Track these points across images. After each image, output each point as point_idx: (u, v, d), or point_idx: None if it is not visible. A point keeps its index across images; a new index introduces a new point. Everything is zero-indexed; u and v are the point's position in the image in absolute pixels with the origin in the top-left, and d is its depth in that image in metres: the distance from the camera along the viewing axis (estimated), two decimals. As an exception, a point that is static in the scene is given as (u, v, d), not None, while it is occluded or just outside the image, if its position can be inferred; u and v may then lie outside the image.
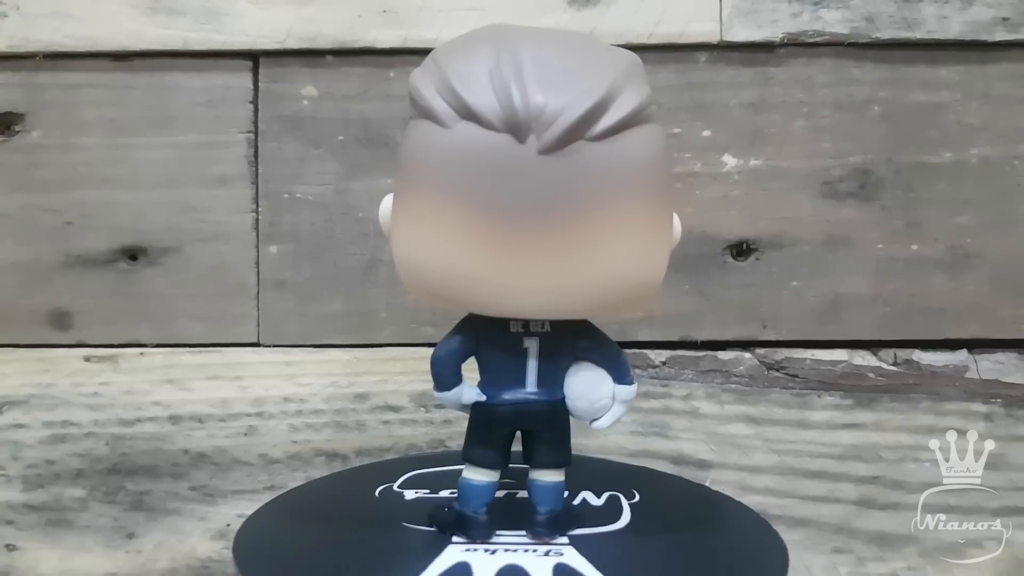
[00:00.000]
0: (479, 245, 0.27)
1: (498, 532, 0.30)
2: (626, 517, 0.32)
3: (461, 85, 0.26)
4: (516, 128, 0.26)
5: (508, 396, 0.30)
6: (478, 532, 0.30)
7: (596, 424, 0.30)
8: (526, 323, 0.29)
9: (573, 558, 0.29)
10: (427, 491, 0.34)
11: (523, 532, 0.30)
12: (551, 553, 0.29)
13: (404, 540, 0.30)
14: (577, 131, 0.26)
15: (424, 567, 0.28)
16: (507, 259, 0.27)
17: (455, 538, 0.30)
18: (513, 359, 0.29)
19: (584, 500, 0.33)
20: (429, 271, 0.28)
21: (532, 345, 0.29)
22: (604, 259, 0.27)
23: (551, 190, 0.26)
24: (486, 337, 0.30)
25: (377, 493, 0.34)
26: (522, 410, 0.30)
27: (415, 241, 0.28)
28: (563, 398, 0.30)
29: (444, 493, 0.34)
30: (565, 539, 0.30)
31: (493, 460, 0.30)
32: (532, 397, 0.30)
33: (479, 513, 0.30)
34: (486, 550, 0.29)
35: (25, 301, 0.49)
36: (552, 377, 0.30)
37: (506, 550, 0.29)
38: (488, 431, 0.30)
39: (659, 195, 0.28)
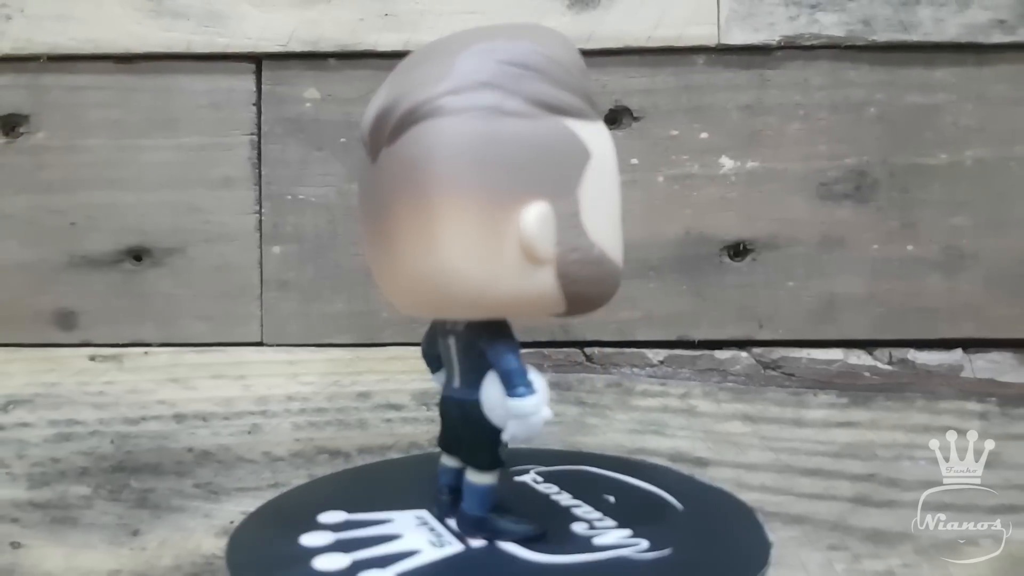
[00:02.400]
0: (366, 249, 0.29)
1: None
2: (591, 558, 0.29)
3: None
4: (363, 141, 0.28)
5: (444, 390, 0.31)
6: (436, 509, 0.32)
7: (502, 437, 0.28)
8: (455, 321, 0.30)
9: (436, 552, 0.29)
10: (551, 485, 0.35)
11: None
12: (441, 543, 0.30)
13: (401, 496, 0.34)
14: (375, 138, 0.27)
15: (360, 510, 0.32)
16: (371, 262, 0.29)
17: (429, 509, 0.32)
18: (446, 355, 0.30)
19: (600, 528, 0.31)
20: None
21: (452, 342, 0.30)
22: (406, 260, 0.27)
23: (372, 196, 0.28)
24: (438, 331, 0.31)
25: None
26: (448, 405, 0.30)
27: None
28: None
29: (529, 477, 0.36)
30: (483, 542, 0.30)
31: (446, 447, 0.31)
32: (453, 394, 0.30)
33: (442, 492, 0.32)
34: (423, 523, 0.31)
35: (30, 301, 0.49)
36: (471, 376, 0.29)
37: (431, 528, 0.31)
38: (441, 421, 0.31)
39: (451, 193, 0.26)
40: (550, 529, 0.30)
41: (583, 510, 0.32)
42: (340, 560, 0.29)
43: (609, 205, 0.28)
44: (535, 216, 0.26)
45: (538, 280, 0.27)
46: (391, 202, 0.27)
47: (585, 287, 0.27)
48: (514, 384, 0.27)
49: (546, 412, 0.27)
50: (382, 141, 0.27)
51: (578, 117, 0.27)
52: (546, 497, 0.34)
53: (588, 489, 0.34)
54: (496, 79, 0.26)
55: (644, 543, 0.29)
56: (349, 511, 0.33)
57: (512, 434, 0.27)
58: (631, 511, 0.32)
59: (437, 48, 0.28)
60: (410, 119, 0.26)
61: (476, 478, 0.30)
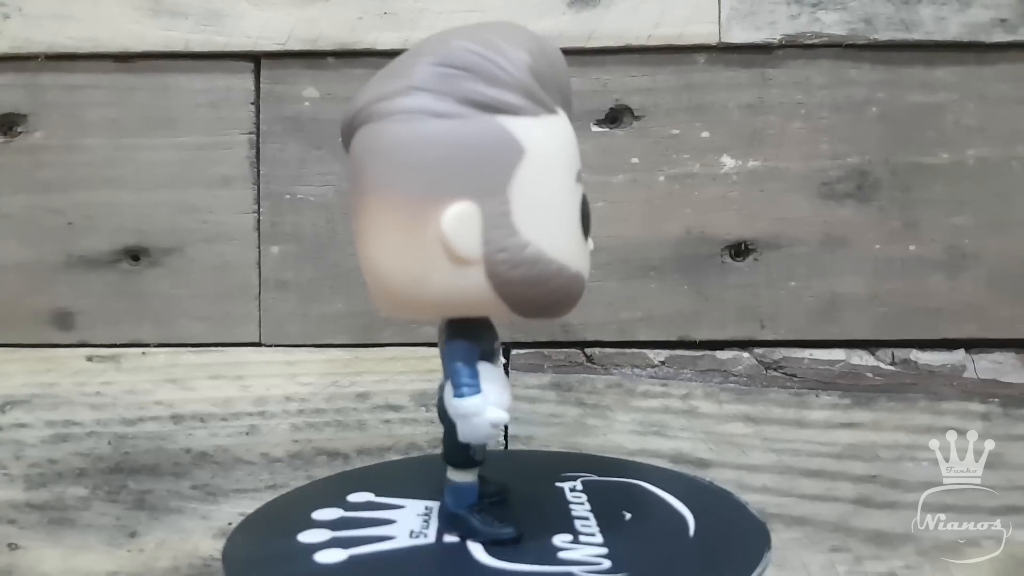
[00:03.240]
0: None
1: None
2: (540, 570, 0.28)
3: None
4: None
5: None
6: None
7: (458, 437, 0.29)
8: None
9: (406, 542, 0.30)
10: (582, 492, 0.35)
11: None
12: (419, 535, 0.31)
13: (420, 486, 0.35)
14: (344, 144, 0.29)
15: (385, 494, 0.35)
16: None
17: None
18: None
19: (581, 543, 0.30)
20: None
21: (441, 340, 0.30)
22: (360, 259, 0.28)
23: None
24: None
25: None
26: (438, 403, 0.31)
27: None
28: None
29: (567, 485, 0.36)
30: (456, 538, 0.30)
31: None
32: (440, 392, 0.30)
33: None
34: (424, 514, 0.33)
35: (28, 301, 0.49)
36: (447, 373, 0.29)
37: (426, 520, 0.32)
38: None
39: (378, 194, 0.27)
40: (529, 536, 0.30)
41: (585, 523, 0.32)
42: (321, 535, 0.31)
43: (554, 203, 0.28)
44: (452, 216, 0.26)
45: (468, 280, 0.27)
46: (351, 198, 0.29)
47: (520, 288, 0.27)
48: (456, 384, 0.27)
49: (493, 415, 0.27)
50: (346, 147, 0.29)
51: (515, 114, 0.27)
52: (565, 505, 0.33)
53: (614, 503, 0.33)
54: (426, 82, 0.27)
55: (606, 564, 0.29)
56: (377, 494, 0.34)
57: (461, 434, 0.28)
58: (632, 531, 0.31)
59: (403, 54, 0.29)
60: (353, 126, 0.28)
61: (453, 475, 0.31)
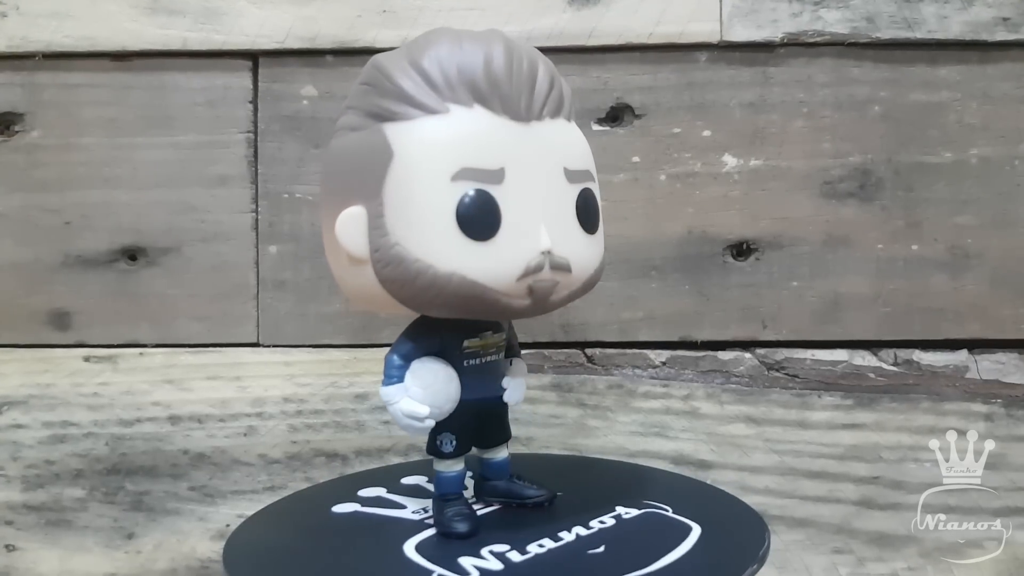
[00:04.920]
0: None
1: None
2: (429, 568, 0.28)
3: None
4: None
5: None
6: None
7: None
8: None
9: (405, 514, 0.32)
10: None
11: None
12: (419, 511, 0.33)
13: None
14: None
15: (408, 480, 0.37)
16: None
17: None
18: None
19: (504, 560, 0.29)
20: None
21: None
22: None
23: None
24: None
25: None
26: None
27: None
28: None
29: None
30: (431, 523, 0.31)
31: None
32: None
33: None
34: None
35: (25, 301, 0.49)
36: None
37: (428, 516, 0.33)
38: None
39: (321, 202, 0.31)
40: (479, 538, 0.30)
41: (549, 543, 0.30)
42: (377, 491, 0.35)
43: (422, 202, 0.27)
44: (340, 219, 0.29)
45: (366, 279, 0.28)
46: None
47: (395, 286, 0.28)
48: (383, 374, 0.29)
49: (407, 406, 0.29)
50: None
51: (393, 120, 0.28)
52: (574, 524, 0.31)
53: (614, 537, 0.31)
54: (352, 99, 0.30)
55: None
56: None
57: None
58: (575, 563, 0.29)
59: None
60: (333, 131, 0.31)
61: (435, 464, 0.31)
